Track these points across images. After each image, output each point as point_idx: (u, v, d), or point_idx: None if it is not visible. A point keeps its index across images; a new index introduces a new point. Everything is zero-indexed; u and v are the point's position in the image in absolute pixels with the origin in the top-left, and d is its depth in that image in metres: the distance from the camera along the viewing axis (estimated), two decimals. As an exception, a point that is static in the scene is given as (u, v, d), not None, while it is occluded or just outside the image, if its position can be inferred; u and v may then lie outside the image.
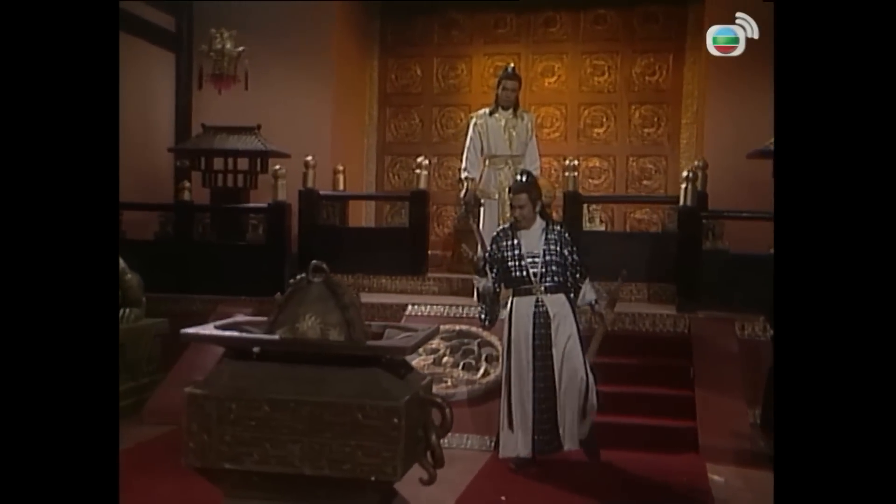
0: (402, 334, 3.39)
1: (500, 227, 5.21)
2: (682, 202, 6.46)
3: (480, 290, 5.10)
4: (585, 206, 7.56)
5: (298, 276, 3.27)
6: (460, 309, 6.60)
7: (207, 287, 7.13)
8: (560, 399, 4.81)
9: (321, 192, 8.15)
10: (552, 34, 10.18)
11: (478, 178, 6.82)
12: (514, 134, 6.76)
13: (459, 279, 7.93)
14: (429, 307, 6.72)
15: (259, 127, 8.40)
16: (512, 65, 7.06)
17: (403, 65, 10.49)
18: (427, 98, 10.43)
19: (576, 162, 7.84)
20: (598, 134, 10.04)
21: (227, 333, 3.21)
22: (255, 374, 3.12)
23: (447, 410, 3.20)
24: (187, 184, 7.77)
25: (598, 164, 9.92)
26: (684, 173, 6.57)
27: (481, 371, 5.86)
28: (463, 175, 6.88)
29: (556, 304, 4.88)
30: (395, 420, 2.97)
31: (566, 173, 7.85)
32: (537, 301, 4.88)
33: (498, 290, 5.06)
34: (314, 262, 3.30)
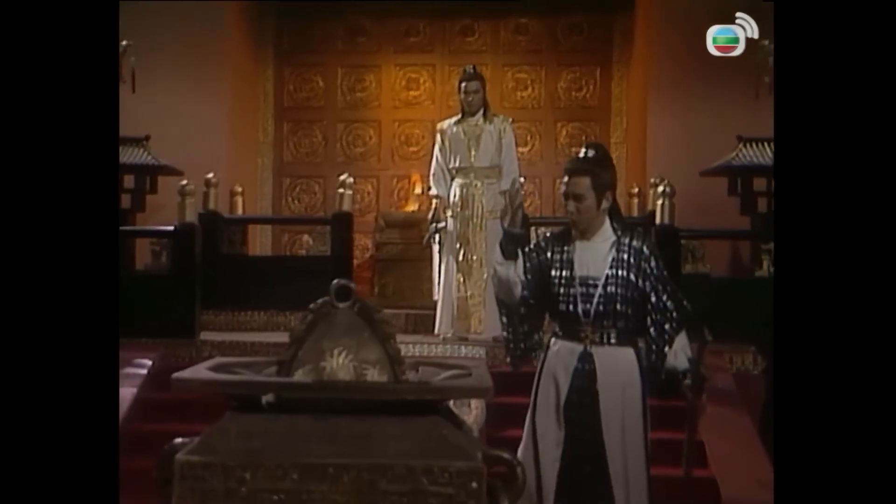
0: (447, 372, 2.85)
1: (553, 233, 3.56)
2: (658, 220, 6.22)
3: (500, 277, 3.32)
4: (533, 229, 7.19)
5: (321, 301, 2.67)
6: (413, 347, 6.08)
7: (98, 328, 6.26)
8: None
9: (226, 216, 7.46)
10: (470, 44, 9.92)
11: (447, 196, 6.40)
12: (478, 142, 6.34)
13: (391, 314, 7.37)
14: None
15: (148, 138, 7.63)
16: (472, 65, 6.66)
17: (302, 74, 9.98)
18: (330, 113, 9.96)
19: (521, 179, 7.47)
20: (521, 154, 9.75)
21: (243, 378, 2.58)
22: (274, 431, 2.50)
23: (519, 469, 2.67)
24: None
25: (522, 185, 9.65)
26: (659, 188, 6.33)
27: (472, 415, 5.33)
28: (431, 193, 6.57)
29: (613, 365, 3.30)
30: (474, 485, 2.44)
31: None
32: (584, 353, 3.31)
33: (532, 305, 3.40)
34: (339, 281, 2.72)
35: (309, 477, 2.41)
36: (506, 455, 2.73)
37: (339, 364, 2.62)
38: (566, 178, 3.37)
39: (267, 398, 2.62)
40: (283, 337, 6.56)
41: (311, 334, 2.64)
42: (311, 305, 2.68)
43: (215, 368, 2.77)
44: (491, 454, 2.70)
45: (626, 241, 3.38)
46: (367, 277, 8.59)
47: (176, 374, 2.50)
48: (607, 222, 3.41)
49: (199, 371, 2.61)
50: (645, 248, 3.37)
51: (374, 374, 2.61)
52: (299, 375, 2.61)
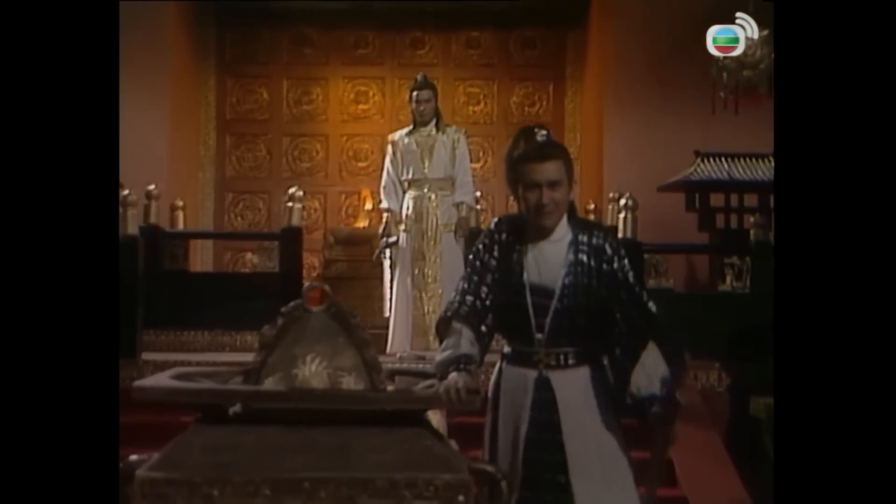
0: (425, 382, 2.74)
1: (507, 215, 2.95)
2: (621, 234, 6.19)
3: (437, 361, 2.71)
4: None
5: (292, 304, 2.55)
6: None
7: (31, 347, 6.00)
8: None
9: (169, 230, 7.26)
10: (420, 57, 9.86)
11: (399, 209, 6.32)
12: (431, 153, 6.27)
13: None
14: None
15: (84, 149, 7.38)
16: (423, 74, 6.58)
17: (246, 86, 9.84)
18: (276, 126, 9.82)
19: (478, 194, 7.40)
20: (474, 170, 9.70)
21: (211, 386, 2.44)
22: (243, 443, 2.37)
23: (503, 483, 2.57)
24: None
25: (474, 202, 9.59)
26: (621, 202, 6.31)
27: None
28: (382, 207, 6.48)
29: (574, 390, 2.79)
30: (461, 498, 2.34)
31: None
32: (539, 379, 2.78)
33: (481, 349, 2.75)
34: (311, 283, 2.61)
35: (283, 492, 2.29)
36: (489, 468, 2.63)
37: (313, 371, 2.50)
38: (535, 165, 2.74)
39: (234, 408, 2.49)
40: (229, 357, 6.47)
41: (282, 340, 2.52)
42: (283, 309, 2.55)
43: (177, 378, 2.63)
44: (475, 467, 2.61)
45: (585, 239, 2.80)
46: (316, 296, 8.44)
47: (137, 382, 2.35)
48: (564, 217, 2.83)
49: (162, 379, 2.47)
50: (608, 248, 2.78)
51: (349, 382, 2.50)
52: (269, 383, 2.48)
